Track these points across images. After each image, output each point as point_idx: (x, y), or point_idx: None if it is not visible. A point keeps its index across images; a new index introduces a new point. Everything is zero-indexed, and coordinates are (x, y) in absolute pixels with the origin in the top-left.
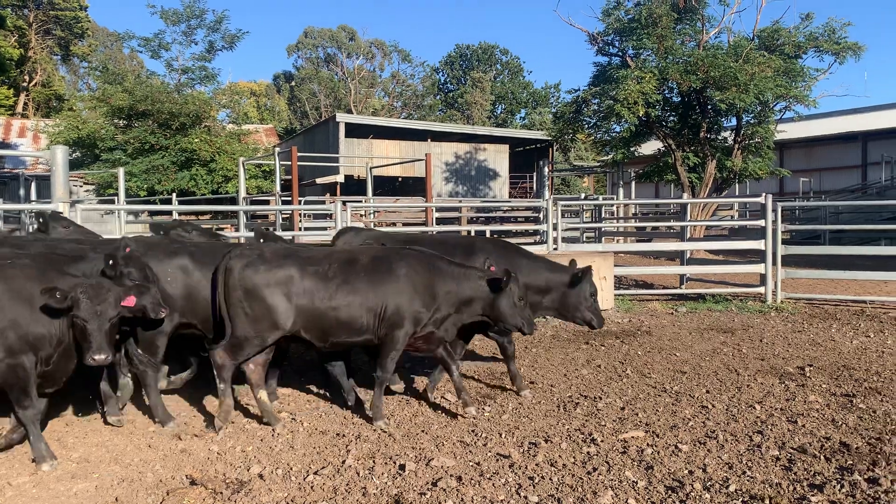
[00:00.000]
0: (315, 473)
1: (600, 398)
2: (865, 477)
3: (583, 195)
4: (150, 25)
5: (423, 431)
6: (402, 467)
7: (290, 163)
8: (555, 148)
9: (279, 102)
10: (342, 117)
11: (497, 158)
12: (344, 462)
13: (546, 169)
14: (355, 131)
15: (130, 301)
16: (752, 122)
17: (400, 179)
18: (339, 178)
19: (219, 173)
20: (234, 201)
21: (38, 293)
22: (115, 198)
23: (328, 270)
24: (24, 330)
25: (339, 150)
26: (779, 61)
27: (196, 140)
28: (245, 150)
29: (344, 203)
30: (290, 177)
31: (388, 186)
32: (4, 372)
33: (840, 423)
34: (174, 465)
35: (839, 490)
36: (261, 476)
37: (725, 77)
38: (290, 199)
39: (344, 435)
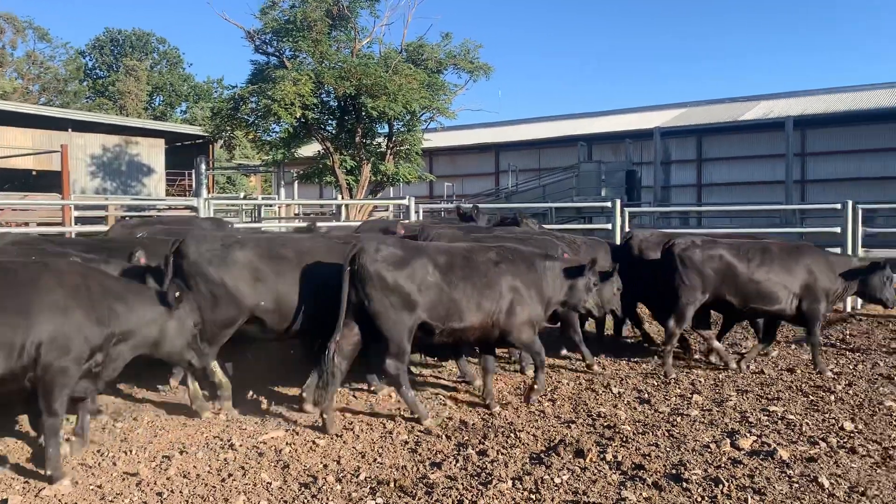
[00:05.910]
0: None
1: (243, 403)
2: (477, 450)
3: (242, 195)
4: None
5: (35, 458)
6: (4, 502)
7: None
8: (217, 145)
9: None
10: None
11: (152, 153)
12: None
13: (203, 166)
14: None
15: None
16: (402, 130)
17: (35, 173)
18: None
19: None
20: None
21: None
22: None
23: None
24: None
25: None
26: (423, 75)
27: None
28: None
29: None
30: None
31: (19, 181)
32: None
33: (461, 402)
34: None
35: (455, 465)
36: None
37: (376, 86)
38: None
39: None
